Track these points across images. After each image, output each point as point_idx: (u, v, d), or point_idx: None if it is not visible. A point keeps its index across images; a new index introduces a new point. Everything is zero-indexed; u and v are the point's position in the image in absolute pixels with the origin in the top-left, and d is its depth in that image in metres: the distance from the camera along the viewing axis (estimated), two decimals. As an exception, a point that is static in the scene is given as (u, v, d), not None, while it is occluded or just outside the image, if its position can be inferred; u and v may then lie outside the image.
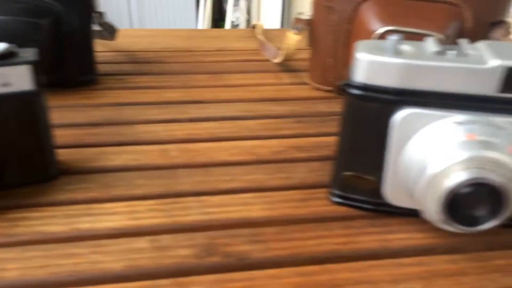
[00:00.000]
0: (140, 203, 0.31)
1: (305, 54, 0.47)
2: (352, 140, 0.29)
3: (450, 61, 0.26)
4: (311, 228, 0.30)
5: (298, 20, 0.44)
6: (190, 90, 0.46)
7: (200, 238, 0.28)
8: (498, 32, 0.39)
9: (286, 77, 0.50)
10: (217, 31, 0.63)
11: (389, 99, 0.27)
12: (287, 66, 0.52)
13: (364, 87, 0.27)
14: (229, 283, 0.25)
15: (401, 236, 0.29)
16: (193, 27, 2.13)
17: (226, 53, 0.56)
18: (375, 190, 0.30)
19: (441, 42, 0.27)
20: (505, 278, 0.27)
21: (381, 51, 0.27)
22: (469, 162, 0.24)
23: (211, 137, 0.38)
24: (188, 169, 0.34)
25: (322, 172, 0.34)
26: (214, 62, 0.53)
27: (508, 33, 0.41)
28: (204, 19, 1.92)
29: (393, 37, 0.26)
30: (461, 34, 0.38)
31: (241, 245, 0.28)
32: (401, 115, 0.27)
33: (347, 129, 0.29)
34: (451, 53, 0.26)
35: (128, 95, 0.44)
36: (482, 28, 0.39)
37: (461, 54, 0.26)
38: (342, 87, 0.28)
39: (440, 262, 0.27)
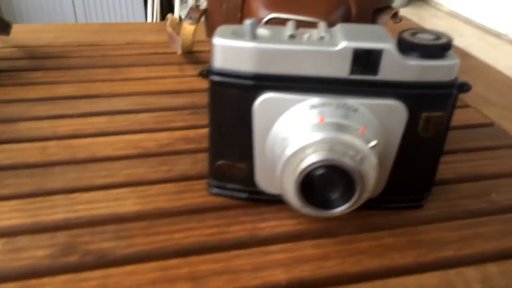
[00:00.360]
0: (4, 204, 0.29)
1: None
2: (219, 128, 0.29)
3: (302, 44, 0.25)
4: (182, 220, 0.29)
5: (193, 9, 0.43)
6: (86, 85, 0.44)
7: (61, 237, 0.27)
8: (384, 18, 0.39)
9: (190, 69, 0.49)
10: (130, 24, 0.61)
11: (247, 84, 0.26)
12: (192, 58, 0.51)
13: (222, 73, 0.26)
14: (82, 282, 0.24)
15: (273, 223, 0.29)
16: (142, 19, 2.07)
17: (134, 46, 0.54)
18: (248, 178, 0.30)
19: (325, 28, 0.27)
20: (368, 260, 0.27)
21: (237, 36, 0.26)
22: (320, 145, 0.24)
23: (98, 132, 0.37)
24: (65, 166, 0.33)
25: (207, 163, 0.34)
26: (120, 55, 0.51)
27: (396, 19, 0.41)
28: (154, 14, 1.88)
29: (249, 21, 0.26)
30: (348, 21, 0.38)
31: (104, 242, 0.27)
32: (259, 100, 0.26)
33: (213, 117, 0.28)
34: (305, 37, 0.26)
35: (17, 91, 0.42)
36: (368, 14, 0.39)
37: (315, 37, 0.26)
38: (203, 73, 0.27)
39: (305, 248, 0.27)
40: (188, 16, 0.43)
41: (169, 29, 0.52)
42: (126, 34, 0.57)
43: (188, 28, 0.42)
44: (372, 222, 0.30)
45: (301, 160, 0.25)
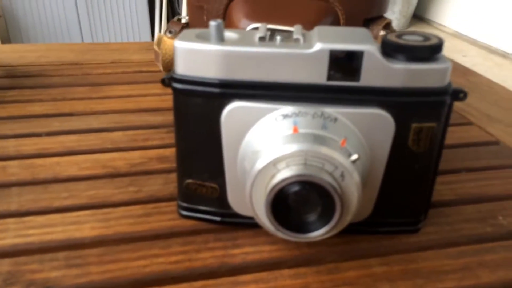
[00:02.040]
0: (-51, 228, 0.26)
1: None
2: (185, 142, 0.26)
3: (274, 47, 0.23)
4: (145, 246, 0.26)
5: (173, 22, 0.41)
6: (61, 103, 0.42)
7: (6, 265, 0.24)
8: (375, 28, 0.37)
9: (173, 87, 0.46)
10: (118, 44, 0.59)
11: (213, 92, 0.23)
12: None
13: (186, 80, 0.24)
14: (20, 317, 0.21)
15: (247, 250, 0.26)
16: (148, 39, 2.07)
17: (120, 65, 0.52)
18: (221, 199, 0.26)
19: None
20: (353, 292, 0.23)
21: (202, 39, 0.23)
22: (293, 158, 0.21)
23: (66, 151, 0.34)
24: (23, 187, 0.30)
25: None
26: (103, 74, 0.49)
27: (389, 30, 0.39)
28: (160, 31, 1.88)
29: (215, 23, 0.23)
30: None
31: (52, 271, 0.24)
32: (227, 110, 0.24)
33: (178, 130, 0.26)
34: (278, 39, 0.23)
35: (-13, 110, 0.40)
36: (357, 24, 0.37)
37: (288, 40, 0.23)
38: (165, 81, 0.24)
39: (282, 278, 0.24)
40: (168, 29, 0.40)
41: (155, 47, 0.49)
42: (112, 53, 0.56)
43: (168, 42, 0.40)
44: (361, 249, 0.26)
45: (272, 176, 0.21)
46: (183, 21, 0.41)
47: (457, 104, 0.48)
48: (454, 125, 0.42)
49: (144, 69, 0.51)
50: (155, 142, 0.36)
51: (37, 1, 1.94)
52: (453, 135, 0.40)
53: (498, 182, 0.33)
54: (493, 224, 0.29)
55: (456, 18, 0.96)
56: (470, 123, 0.43)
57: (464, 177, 0.34)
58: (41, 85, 0.45)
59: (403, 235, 0.27)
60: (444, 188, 0.32)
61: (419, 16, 1.10)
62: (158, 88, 0.46)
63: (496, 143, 0.39)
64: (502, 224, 0.29)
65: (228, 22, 0.37)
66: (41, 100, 0.42)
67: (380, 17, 0.38)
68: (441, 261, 0.26)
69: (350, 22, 0.36)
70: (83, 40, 2.03)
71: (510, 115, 0.44)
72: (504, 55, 0.78)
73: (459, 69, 0.57)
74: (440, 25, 0.99)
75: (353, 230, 0.27)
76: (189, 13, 0.40)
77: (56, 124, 0.38)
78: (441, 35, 1.04)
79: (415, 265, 0.25)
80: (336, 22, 0.36)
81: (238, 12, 0.36)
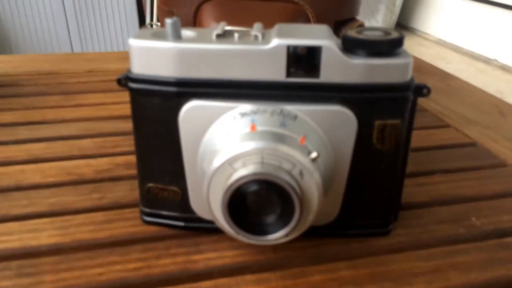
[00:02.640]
0: None
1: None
2: (144, 144, 0.25)
3: (231, 44, 0.22)
4: (103, 254, 0.25)
5: (145, 28, 0.40)
6: (31, 112, 0.41)
7: (-46, 275, 0.23)
8: (347, 30, 0.36)
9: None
10: (96, 53, 0.59)
11: (169, 92, 0.23)
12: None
13: (142, 79, 0.23)
14: (-37, 330, 0.20)
15: (210, 255, 0.25)
16: None
17: (96, 74, 0.51)
18: (183, 203, 0.26)
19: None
20: (317, 296, 0.22)
21: (158, 37, 0.23)
22: (250, 157, 0.20)
23: (30, 159, 0.33)
24: (-17, 195, 0.29)
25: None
26: (77, 83, 0.49)
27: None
28: None
29: (170, 21, 0.23)
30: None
31: (4, 280, 0.22)
32: (185, 109, 0.23)
33: (137, 132, 0.25)
34: (236, 36, 0.23)
35: (-47, 120, 0.39)
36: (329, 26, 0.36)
37: (246, 37, 0.23)
38: (121, 81, 0.24)
39: (245, 283, 0.23)
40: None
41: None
42: (89, 63, 0.55)
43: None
44: (328, 252, 0.25)
45: (229, 176, 0.21)
46: (154, 27, 0.41)
47: (435, 107, 0.48)
48: (431, 128, 0.42)
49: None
50: (124, 149, 0.35)
51: (26, 14, 1.93)
52: (430, 138, 0.40)
53: (473, 183, 0.33)
54: (466, 226, 0.28)
55: (439, 26, 0.97)
56: (447, 126, 0.42)
57: (438, 179, 0.33)
58: (13, 94, 0.45)
59: (373, 237, 0.26)
60: (417, 190, 0.31)
61: (402, 24, 1.11)
62: (132, 96, 0.45)
63: (473, 144, 0.39)
64: (476, 225, 0.28)
65: (199, 26, 0.37)
66: (11, 109, 0.41)
67: (353, 19, 0.37)
68: (410, 264, 0.25)
69: (321, 23, 0.35)
70: (73, 51, 2.03)
71: (488, 117, 0.44)
72: (486, 61, 0.78)
73: (439, 73, 0.57)
74: (424, 33, 1.00)
75: (321, 233, 0.26)
76: (160, 18, 0.40)
77: (24, 132, 0.37)
78: (425, 43, 1.04)
79: (383, 268, 0.24)
80: (306, 24, 0.36)
81: (207, 17, 0.36)
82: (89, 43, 2.05)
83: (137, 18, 2.04)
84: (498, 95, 0.53)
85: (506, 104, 0.48)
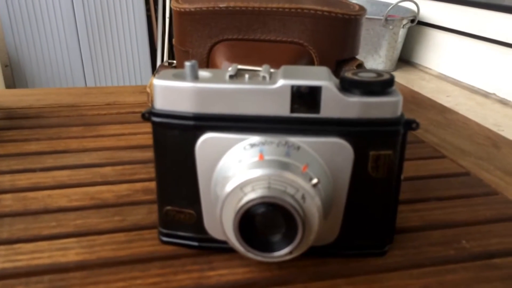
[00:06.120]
0: None
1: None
2: (164, 171, 0.28)
3: (241, 84, 0.25)
4: (125, 270, 0.27)
5: (162, 66, 0.44)
6: (55, 142, 0.44)
7: (-6, 287, 0.26)
8: (345, 71, 0.40)
9: (163, 126, 0.49)
10: (114, 87, 0.63)
11: (187, 125, 0.26)
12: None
13: (163, 114, 0.26)
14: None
15: (222, 272, 0.27)
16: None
17: (114, 106, 0.55)
18: (198, 225, 0.28)
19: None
20: (318, 309, 0.25)
21: (178, 77, 0.26)
22: (258, 182, 0.23)
23: (57, 185, 0.36)
24: (15, 217, 0.32)
25: (162, 212, 0.33)
26: (98, 115, 0.52)
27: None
28: None
29: (189, 63, 0.26)
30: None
31: (37, 292, 0.25)
32: (201, 141, 0.26)
33: (157, 160, 0.28)
34: (246, 77, 0.26)
35: (-14, 148, 0.42)
36: (331, 65, 0.40)
37: (255, 77, 0.26)
38: (145, 115, 0.27)
39: (253, 297, 0.25)
40: (157, 72, 0.44)
41: (148, 89, 0.53)
42: (107, 96, 0.59)
43: (157, 84, 0.43)
44: (329, 270, 0.28)
45: (240, 199, 0.24)
46: (173, 65, 0.44)
47: (432, 139, 0.50)
48: (428, 158, 0.44)
49: (137, 110, 0.54)
50: (142, 176, 0.38)
51: (42, 50, 2.02)
52: (427, 167, 0.43)
53: (465, 209, 0.35)
54: (456, 248, 0.30)
55: (440, 60, 1.01)
56: (443, 156, 0.45)
57: (433, 205, 0.36)
58: (38, 126, 0.48)
59: (370, 257, 0.29)
60: (413, 215, 0.34)
61: (404, 59, 1.16)
62: (148, 127, 0.48)
63: (467, 174, 0.41)
64: (465, 247, 0.30)
65: (211, 65, 0.40)
66: (37, 139, 0.45)
67: (353, 58, 0.41)
68: (404, 281, 0.27)
69: (324, 63, 0.39)
70: (86, 85, 2.10)
71: (481, 149, 0.47)
72: (485, 94, 0.82)
73: (437, 107, 0.60)
74: (425, 67, 1.04)
75: (322, 253, 0.29)
76: (176, 57, 0.43)
77: (50, 161, 0.40)
78: (426, 77, 1.08)
79: (379, 285, 0.27)
80: (311, 63, 0.39)
81: (220, 56, 0.39)
82: (102, 77, 2.13)
83: (149, 52, 2.12)
84: (496, 128, 0.56)
85: (500, 136, 0.51)
